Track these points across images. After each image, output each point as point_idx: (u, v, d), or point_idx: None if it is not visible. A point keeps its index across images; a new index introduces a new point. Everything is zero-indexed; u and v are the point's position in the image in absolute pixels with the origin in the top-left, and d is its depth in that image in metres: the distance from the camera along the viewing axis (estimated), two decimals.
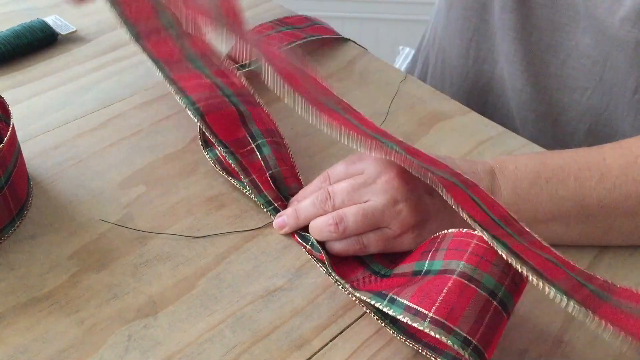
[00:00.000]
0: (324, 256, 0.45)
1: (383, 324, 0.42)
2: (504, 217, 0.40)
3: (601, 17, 0.59)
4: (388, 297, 0.39)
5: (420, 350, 0.40)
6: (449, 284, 0.37)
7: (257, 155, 0.51)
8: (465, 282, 0.37)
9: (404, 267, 0.43)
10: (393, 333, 0.41)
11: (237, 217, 0.50)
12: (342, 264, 0.46)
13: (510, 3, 0.67)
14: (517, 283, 0.39)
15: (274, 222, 0.48)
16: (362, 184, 0.45)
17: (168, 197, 0.51)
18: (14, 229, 0.47)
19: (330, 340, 0.42)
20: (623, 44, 0.60)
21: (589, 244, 0.48)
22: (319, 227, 0.45)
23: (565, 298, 0.35)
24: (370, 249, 0.45)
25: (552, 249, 0.40)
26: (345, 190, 0.45)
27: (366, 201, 0.45)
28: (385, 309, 0.39)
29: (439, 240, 0.41)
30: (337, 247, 0.46)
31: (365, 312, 0.43)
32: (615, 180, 0.45)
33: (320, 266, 0.46)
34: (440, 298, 0.37)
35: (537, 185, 0.46)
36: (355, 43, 0.70)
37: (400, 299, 0.38)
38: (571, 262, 0.39)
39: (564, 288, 0.35)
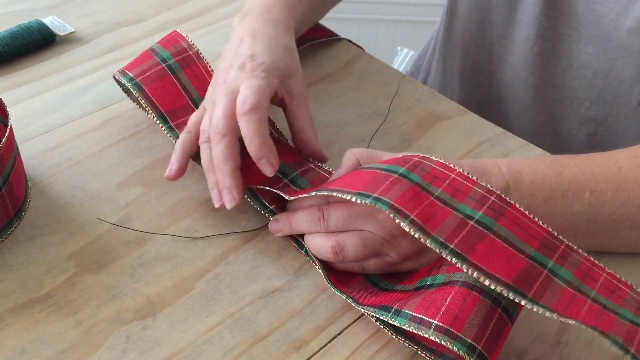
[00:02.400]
0: (318, 264, 0.45)
1: (382, 325, 0.42)
2: (545, 241, 0.38)
3: (607, 28, 0.59)
4: (393, 310, 0.39)
5: (419, 352, 0.40)
6: (453, 292, 0.38)
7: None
8: (469, 290, 0.37)
9: (407, 286, 0.43)
10: (392, 334, 0.41)
11: (236, 218, 0.49)
12: (338, 271, 0.45)
13: (513, 14, 0.67)
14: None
15: (269, 225, 0.48)
16: (359, 214, 0.43)
17: (166, 198, 0.51)
18: (12, 230, 0.47)
19: (329, 342, 0.42)
20: (630, 55, 0.59)
21: (592, 251, 0.48)
22: (317, 249, 0.45)
23: (622, 352, 0.34)
24: (370, 272, 0.45)
25: (602, 267, 0.38)
26: (342, 216, 0.44)
27: (361, 230, 0.43)
28: (391, 321, 0.39)
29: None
30: (337, 265, 0.45)
31: (363, 314, 0.43)
32: (630, 193, 0.45)
33: (319, 268, 0.46)
34: (445, 306, 0.37)
35: (552, 200, 0.45)
36: (353, 43, 0.70)
37: (405, 310, 0.38)
38: (621, 284, 0.38)
39: (620, 339, 0.34)
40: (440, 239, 0.37)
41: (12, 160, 0.46)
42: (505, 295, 0.35)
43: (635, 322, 0.36)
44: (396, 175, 0.40)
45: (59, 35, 0.67)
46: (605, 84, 0.63)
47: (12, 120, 0.47)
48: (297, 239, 0.47)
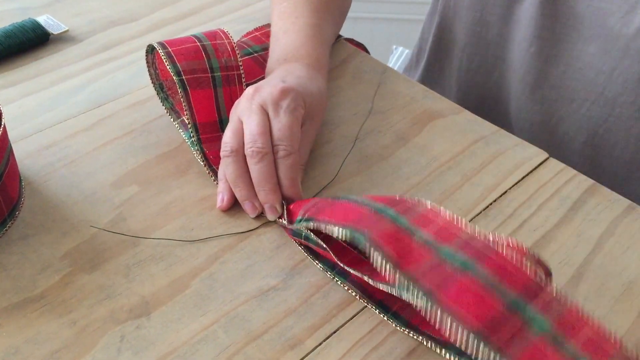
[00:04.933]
0: (321, 250, 0.44)
1: (385, 317, 0.42)
2: (529, 285, 0.36)
3: (614, 27, 0.59)
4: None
5: (423, 342, 0.41)
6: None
7: None
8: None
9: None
10: (395, 326, 0.41)
11: (231, 216, 0.49)
12: (344, 255, 0.45)
13: (510, 14, 0.67)
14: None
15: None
16: None
17: (161, 197, 0.51)
18: (6, 230, 0.47)
19: (324, 340, 0.42)
20: (637, 54, 0.59)
21: None
22: None
23: None
24: None
25: (588, 318, 0.36)
26: None
27: None
28: (414, 300, 0.37)
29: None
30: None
31: (358, 312, 0.43)
32: None
33: (317, 263, 0.46)
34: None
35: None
36: (354, 42, 0.70)
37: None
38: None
39: None
40: (409, 275, 0.37)
41: (5, 159, 0.46)
42: (470, 344, 0.34)
43: None
44: (384, 216, 0.41)
45: (52, 34, 0.67)
46: (607, 83, 0.63)
47: (6, 119, 0.47)
48: (294, 230, 0.47)
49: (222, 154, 0.49)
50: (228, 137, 0.49)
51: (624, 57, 0.60)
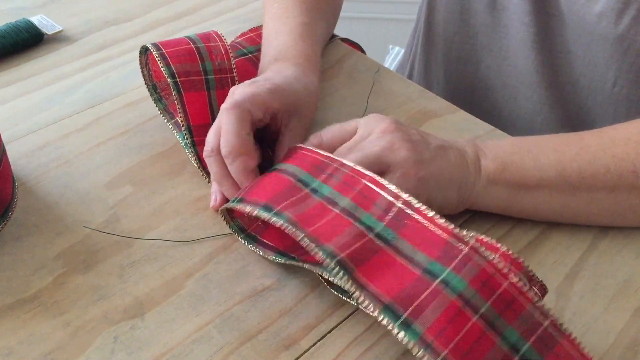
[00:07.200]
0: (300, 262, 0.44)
1: (382, 320, 0.42)
2: (446, 248, 0.37)
3: (579, 13, 0.60)
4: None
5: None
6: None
7: None
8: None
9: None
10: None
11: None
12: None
13: (494, 2, 0.67)
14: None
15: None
16: (357, 141, 0.46)
17: (155, 197, 0.51)
18: None
19: (319, 340, 0.42)
20: (601, 38, 0.60)
21: (572, 219, 0.49)
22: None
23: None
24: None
25: (506, 274, 0.35)
26: (345, 147, 0.46)
27: None
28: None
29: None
30: None
31: (353, 312, 0.43)
32: (595, 154, 0.47)
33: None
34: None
35: (518, 154, 0.48)
36: (350, 42, 0.70)
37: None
38: (522, 296, 0.35)
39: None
40: (331, 248, 0.38)
41: None
42: (380, 319, 0.35)
43: (516, 347, 0.34)
44: (307, 190, 0.42)
45: (46, 34, 0.66)
46: (582, 67, 0.64)
47: None
48: (281, 252, 0.46)
49: (204, 154, 0.49)
50: (209, 137, 0.49)
51: (591, 43, 0.62)
